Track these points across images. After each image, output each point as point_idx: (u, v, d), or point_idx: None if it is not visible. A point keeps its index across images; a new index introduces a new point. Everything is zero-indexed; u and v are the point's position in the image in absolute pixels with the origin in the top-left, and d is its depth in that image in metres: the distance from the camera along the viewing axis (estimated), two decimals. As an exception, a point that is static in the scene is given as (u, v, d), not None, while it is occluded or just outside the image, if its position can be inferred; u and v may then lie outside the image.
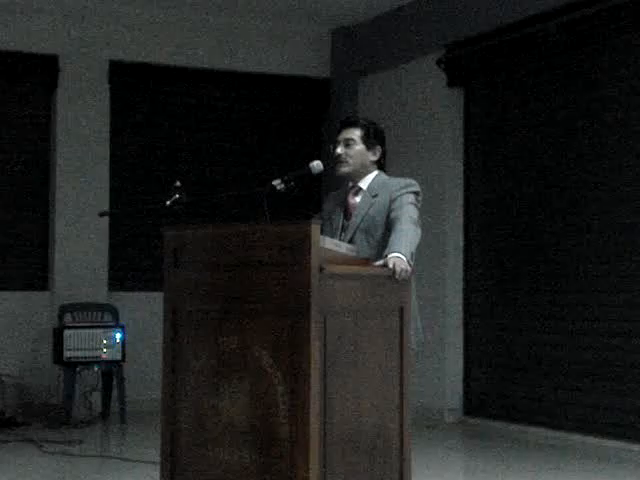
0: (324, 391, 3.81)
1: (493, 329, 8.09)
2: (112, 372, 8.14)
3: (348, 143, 4.58)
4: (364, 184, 4.59)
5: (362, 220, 4.50)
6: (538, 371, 7.58)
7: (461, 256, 8.35)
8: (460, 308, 8.30)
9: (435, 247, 8.18)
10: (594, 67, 7.27)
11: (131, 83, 9.06)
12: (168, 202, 4.52)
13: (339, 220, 4.57)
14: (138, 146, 9.11)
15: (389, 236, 4.31)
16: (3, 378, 8.18)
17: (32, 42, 8.62)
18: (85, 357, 7.97)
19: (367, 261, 4.22)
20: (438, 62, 8.39)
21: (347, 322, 3.94)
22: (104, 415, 8.21)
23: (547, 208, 7.61)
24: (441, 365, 8.22)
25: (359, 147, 4.58)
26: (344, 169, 4.58)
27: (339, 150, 4.58)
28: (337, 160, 4.58)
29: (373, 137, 4.60)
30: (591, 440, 6.99)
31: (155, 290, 7.99)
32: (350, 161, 4.57)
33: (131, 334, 8.23)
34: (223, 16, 9.21)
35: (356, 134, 4.58)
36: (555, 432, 7.30)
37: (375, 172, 4.61)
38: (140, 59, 8.98)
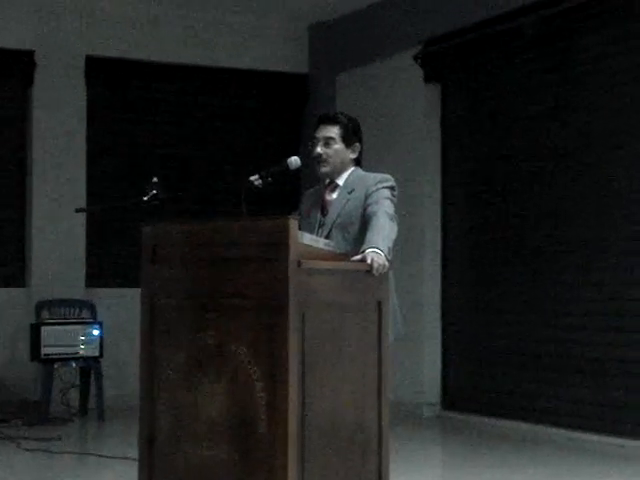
0: (302, 386, 3.82)
1: (471, 323, 8.12)
2: (90, 368, 8.12)
3: (328, 142, 4.53)
4: (340, 180, 4.58)
5: (338, 216, 4.49)
6: (516, 365, 7.61)
7: (439, 250, 8.38)
8: (438, 302, 8.33)
9: (413, 241, 8.20)
10: (569, 63, 7.30)
11: (107, 78, 9.03)
12: (145, 198, 4.51)
13: (316, 217, 4.56)
14: (115, 142, 9.08)
15: (365, 231, 4.31)
16: (-20, 375, 8.15)
17: (7, 37, 8.56)
18: (62, 354, 7.93)
19: (345, 256, 4.23)
20: (415, 58, 8.40)
21: (325, 317, 3.95)
22: (82, 412, 8.19)
23: (524, 202, 7.64)
24: (419, 359, 8.25)
25: (338, 146, 4.54)
26: (324, 169, 4.55)
27: (319, 149, 4.53)
28: (317, 160, 4.55)
29: (352, 134, 4.57)
30: (569, 434, 7.02)
31: (133, 286, 7.96)
32: (330, 160, 4.53)
33: (109, 330, 8.21)
34: (200, 11, 9.18)
35: (335, 132, 4.53)
36: (533, 426, 7.33)
37: (352, 168, 4.60)
38: (116, 54, 8.95)
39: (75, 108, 8.79)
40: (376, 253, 4.10)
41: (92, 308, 8.45)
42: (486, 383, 7.92)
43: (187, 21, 9.17)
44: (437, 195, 8.41)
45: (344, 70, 9.38)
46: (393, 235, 4.30)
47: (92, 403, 8.15)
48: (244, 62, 9.40)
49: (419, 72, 8.40)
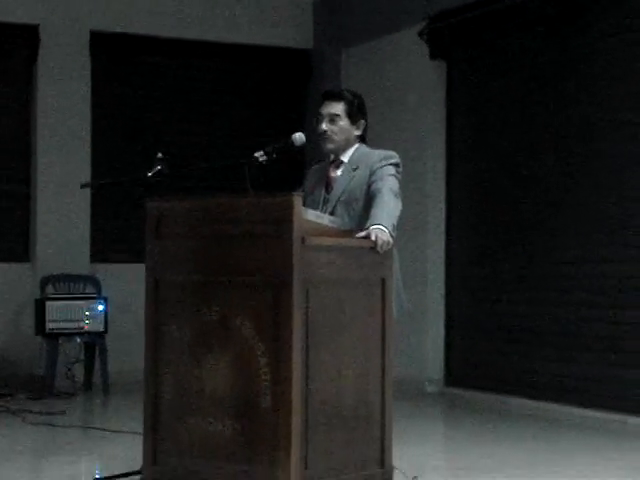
0: (306, 362, 3.84)
1: (474, 300, 8.13)
2: (94, 343, 8.14)
3: (333, 119, 4.53)
4: (345, 157, 4.58)
5: (343, 193, 4.50)
6: (519, 342, 7.63)
7: (442, 227, 8.37)
8: (441, 279, 8.33)
9: (416, 218, 8.19)
10: (577, 38, 7.27)
11: (112, 54, 9.00)
12: (150, 173, 4.53)
13: (320, 193, 4.57)
14: (120, 117, 9.07)
15: (369, 208, 4.32)
16: (-15, 349, 8.19)
17: (12, 12, 8.54)
18: (67, 328, 7.96)
19: (349, 233, 4.24)
20: (420, 34, 8.36)
21: (329, 293, 3.97)
22: (86, 386, 8.22)
23: (528, 180, 7.63)
24: (422, 336, 8.26)
25: (343, 122, 4.54)
26: (329, 146, 4.56)
27: (324, 126, 4.53)
28: (322, 136, 4.55)
29: (357, 111, 4.57)
30: (573, 410, 7.04)
31: (137, 261, 7.94)
32: (335, 138, 4.54)
33: (113, 305, 8.22)
34: (205, -14, 9.17)
35: (340, 109, 4.53)
36: (536, 402, 7.35)
37: (356, 145, 4.60)
38: (121, 29, 8.92)
39: (80, 83, 8.77)
40: (380, 230, 4.11)
41: (97, 283, 8.47)
42: (489, 360, 7.93)
43: (192, -4, 9.15)
44: (441, 171, 8.39)
45: (349, 46, 9.35)
46: (397, 212, 4.31)
47: (97, 378, 8.18)
48: (248, 37, 9.37)
49: (424, 48, 8.37)
